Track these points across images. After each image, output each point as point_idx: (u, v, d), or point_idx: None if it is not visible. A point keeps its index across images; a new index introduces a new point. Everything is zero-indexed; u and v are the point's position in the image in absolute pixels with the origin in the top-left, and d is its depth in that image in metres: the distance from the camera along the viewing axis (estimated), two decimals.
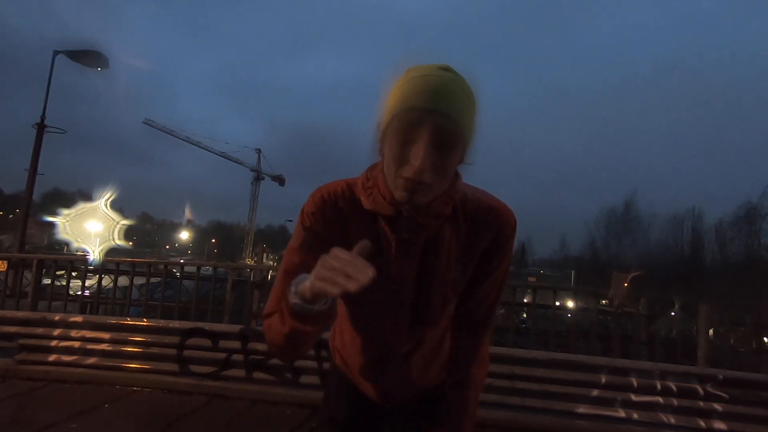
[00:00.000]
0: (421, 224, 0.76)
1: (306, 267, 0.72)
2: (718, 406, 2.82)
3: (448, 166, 0.69)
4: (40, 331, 3.46)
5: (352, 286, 0.58)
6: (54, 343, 3.42)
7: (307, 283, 0.65)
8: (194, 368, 3.28)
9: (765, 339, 4.49)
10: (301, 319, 0.67)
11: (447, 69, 0.69)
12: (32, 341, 3.45)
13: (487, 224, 0.80)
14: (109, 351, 3.35)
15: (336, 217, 0.81)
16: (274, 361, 3.19)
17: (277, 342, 0.75)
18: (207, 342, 3.30)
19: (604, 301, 6.23)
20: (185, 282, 5.21)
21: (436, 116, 0.65)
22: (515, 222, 0.82)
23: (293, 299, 0.67)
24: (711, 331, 4.07)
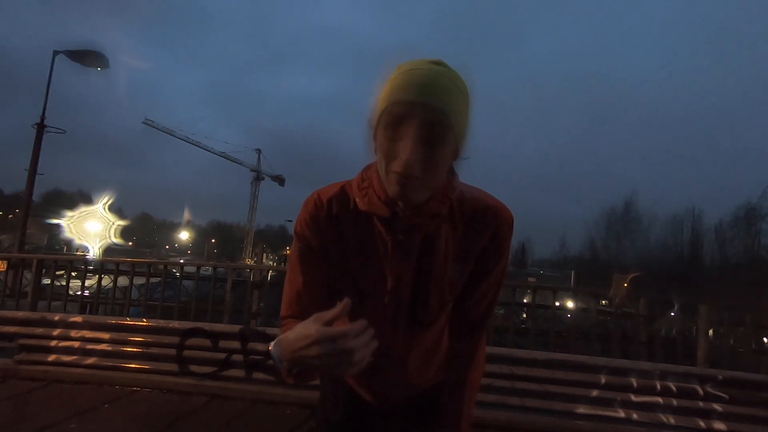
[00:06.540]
0: (417, 224, 0.75)
1: (309, 288, 0.82)
2: (717, 407, 2.82)
3: (439, 160, 0.67)
4: (39, 331, 3.46)
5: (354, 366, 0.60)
6: (54, 343, 3.42)
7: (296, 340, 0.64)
8: (194, 368, 3.27)
9: (765, 339, 4.50)
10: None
11: (437, 63, 0.68)
12: (32, 341, 3.45)
13: (484, 223, 0.79)
14: (109, 351, 3.36)
15: (330, 223, 0.80)
16: None
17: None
18: (207, 342, 3.30)
19: (603, 302, 6.22)
20: (185, 282, 5.21)
21: (424, 109, 0.64)
22: (513, 221, 0.80)
23: (278, 362, 0.68)
24: (711, 332, 4.07)
